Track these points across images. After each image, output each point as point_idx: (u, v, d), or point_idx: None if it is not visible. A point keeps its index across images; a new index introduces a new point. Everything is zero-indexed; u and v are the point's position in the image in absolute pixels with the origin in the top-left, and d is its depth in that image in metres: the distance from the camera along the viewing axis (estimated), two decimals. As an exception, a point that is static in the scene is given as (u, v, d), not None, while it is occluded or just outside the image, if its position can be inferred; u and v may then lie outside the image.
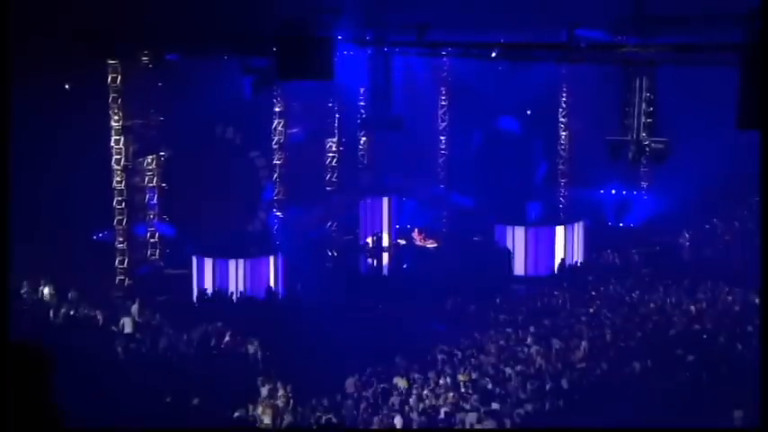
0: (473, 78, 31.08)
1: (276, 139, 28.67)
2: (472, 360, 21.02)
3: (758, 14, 14.68)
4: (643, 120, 21.58)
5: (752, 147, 21.62)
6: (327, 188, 30.49)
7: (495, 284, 27.78)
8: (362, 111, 29.80)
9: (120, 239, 26.21)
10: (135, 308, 23.50)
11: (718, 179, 28.37)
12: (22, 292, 23.45)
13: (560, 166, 34.19)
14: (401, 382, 19.44)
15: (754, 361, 20.03)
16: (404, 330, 23.28)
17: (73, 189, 24.73)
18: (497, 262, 30.03)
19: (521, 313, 24.97)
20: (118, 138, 25.89)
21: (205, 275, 26.15)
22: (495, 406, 17.90)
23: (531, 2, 23.16)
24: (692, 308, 24.46)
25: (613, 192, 35.06)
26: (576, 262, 31.06)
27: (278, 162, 28.77)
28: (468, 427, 16.96)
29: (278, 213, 28.92)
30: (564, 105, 33.65)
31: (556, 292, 27.22)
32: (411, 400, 18.44)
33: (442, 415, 17.73)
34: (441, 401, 18.32)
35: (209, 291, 25.86)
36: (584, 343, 21.79)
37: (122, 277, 26.12)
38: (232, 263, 26.07)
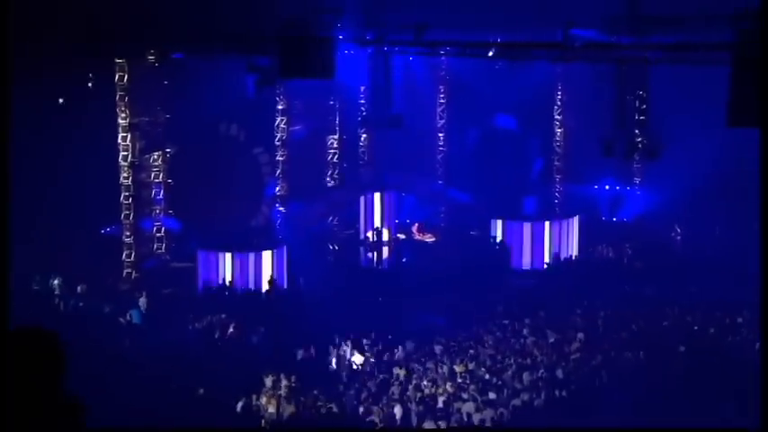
0: (470, 77, 31.07)
1: (279, 136, 28.65)
2: (470, 351, 21.05)
3: (758, 15, 14.66)
4: (636, 117, 21.59)
5: (741, 144, 21.66)
6: (329, 184, 30.47)
7: (492, 278, 27.80)
8: (363, 109, 29.78)
9: (128, 234, 26.24)
10: (143, 300, 23.55)
11: (709, 175, 28.36)
12: (34, 285, 23.55)
13: (555, 163, 34.16)
14: (401, 373, 19.48)
15: (742, 351, 20.12)
16: (403, 322, 23.29)
17: (81, 185, 24.77)
18: (494, 256, 30.04)
19: (517, 306, 24.98)
20: (125, 135, 25.90)
21: (210, 269, 26.15)
22: (491, 396, 17.93)
23: (527, 2, 23.13)
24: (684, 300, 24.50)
25: (607, 187, 35.02)
26: (571, 255, 31.08)
27: (280, 158, 28.76)
28: (465, 416, 16.97)
29: (281, 208, 28.91)
30: (559, 103, 33.61)
31: (551, 285, 27.23)
32: (409, 389, 18.47)
33: (440, 404, 17.76)
34: (439, 391, 18.35)
35: (214, 283, 25.88)
36: (579, 335, 21.81)
37: (129, 270, 26.15)
38: (236, 256, 26.08)
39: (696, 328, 22.73)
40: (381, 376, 19.51)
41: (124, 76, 25.58)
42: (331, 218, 30.29)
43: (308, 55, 20.19)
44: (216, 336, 22.03)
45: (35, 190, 23.37)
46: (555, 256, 30.67)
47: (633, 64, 20.54)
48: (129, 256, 26.18)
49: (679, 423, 15.64)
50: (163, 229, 27.27)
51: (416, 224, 32.37)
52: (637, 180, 34.39)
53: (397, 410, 17.38)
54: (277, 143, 28.70)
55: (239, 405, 17.42)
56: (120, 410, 13.74)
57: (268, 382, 18.52)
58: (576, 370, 19.56)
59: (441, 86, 33.70)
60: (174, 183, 27.56)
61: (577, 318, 23.58)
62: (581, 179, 33.72)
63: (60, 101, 25.87)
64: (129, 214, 26.23)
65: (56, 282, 23.88)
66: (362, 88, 29.08)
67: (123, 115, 25.77)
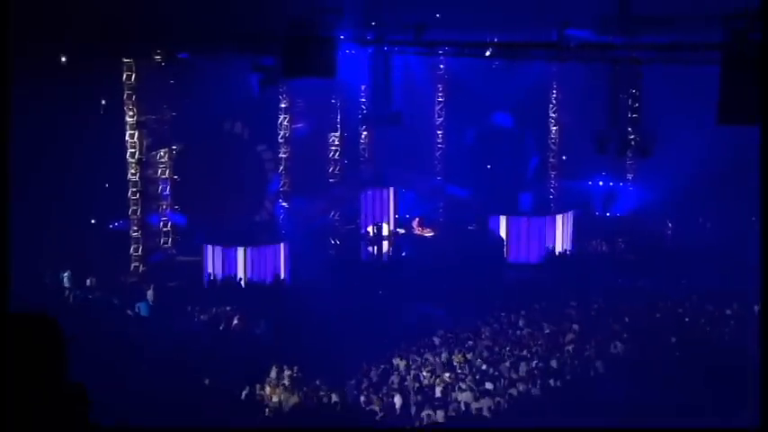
0: (468, 76, 31.10)
1: (282, 133, 28.68)
2: (468, 342, 21.10)
3: (758, 15, 14.69)
4: (629, 115, 21.63)
5: (731, 142, 21.71)
6: (330, 180, 30.49)
7: (489, 271, 27.83)
8: (363, 107, 29.81)
9: (135, 228, 26.31)
10: (150, 293, 23.61)
11: (700, 172, 28.39)
12: (46, 279, 23.62)
13: (551, 159, 34.18)
14: (401, 363, 19.54)
15: (731, 341, 20.22)
16: (402, 314, 23.35)
17: (90, 181, 24.81)
18: (491, 250, 30.07)
19: (513, 298, 25.03)
20: (132, 132, 25.93)
21: (215, 262, 26.21)
22: (488, 386, 17.98)
23: (523, 3, 23.15)
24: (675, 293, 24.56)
25: (601, 183, 35.08)
26: (566, 250, 31.13)
27: (283, 155, 28.80)
28: (462, 405, 17.02)
29: (283, 204, 28.96)
30: (554, 101, 33.63)
31: (546, 278, 27.27)
32: (408, 379, 18.52)
33: (438, 394, 17.81)
34: (437, 381, 18.40)
35: (219, 277, 25.94)
36: (573, 326, 21.87)
37: (137, 264, 26.22)
38: (240, 250, 26.13)
39: (687, 319, 22.79)
40: (382, 366, 19.56)
41: (132, 76, 25.61)
42: (332, 213, 30.31)
43: (310, 55, 20.22)
44: (221, 327, 22.09)
45: (47, 188, 23.47)
46: (550, 251, 30.73)
47: (626, 63, 20.59)
48: (136, 250, 26.25)
49: (671, 411, 15.72)
50: (169, 223, 27.31)
51: (417, 219, 32.40)
52: (630, 176, 34.41)
53: (397, 400, 17.44)
54: (280, 140, 28.73)
55: (243, 394, 17.48)
56: (128, 398, 13.81)
57: (273, 372, 18.57)
58: (570, 360, 19.62)
59: (439, 85, 33.72)
60: (180, 179, 27.59)
61: (572, 310, 23.64)
62: (575, 175, 33.77)
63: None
64: (137, 210, 26.29)
65: (65, 275, 23.93)
66: (363, 87, 29.11)
67: (131, 113, 25.80)
